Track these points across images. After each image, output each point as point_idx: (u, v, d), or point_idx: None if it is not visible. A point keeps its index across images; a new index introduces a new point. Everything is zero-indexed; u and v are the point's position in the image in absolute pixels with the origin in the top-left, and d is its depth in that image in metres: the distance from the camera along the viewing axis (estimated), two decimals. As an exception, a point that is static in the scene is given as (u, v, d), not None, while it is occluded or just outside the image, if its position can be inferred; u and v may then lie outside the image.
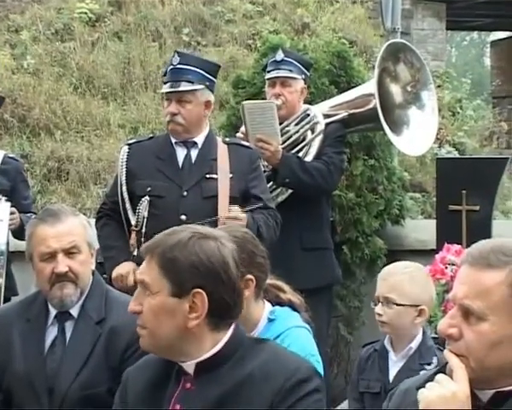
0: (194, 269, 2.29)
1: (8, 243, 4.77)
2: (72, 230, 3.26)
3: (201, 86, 4.40)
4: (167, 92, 4.43)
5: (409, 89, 5.71)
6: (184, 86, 4.37)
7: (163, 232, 2.40)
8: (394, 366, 3.82)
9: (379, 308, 3.76)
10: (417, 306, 3.75)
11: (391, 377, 3.79)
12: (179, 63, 4.41)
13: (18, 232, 4.92)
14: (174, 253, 2.30)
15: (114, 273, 4.26)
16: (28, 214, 4.99)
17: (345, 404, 5.22)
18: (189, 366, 2.35)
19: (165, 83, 4.48)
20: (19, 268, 5.10)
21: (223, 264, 2.32)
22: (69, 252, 3.23)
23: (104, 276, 4.06)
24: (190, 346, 2.33)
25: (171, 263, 2.29)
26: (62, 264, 3.21)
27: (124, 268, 4.29)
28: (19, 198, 5.05)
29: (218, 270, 2.31)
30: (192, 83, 4.38)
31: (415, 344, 3.79)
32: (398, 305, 3.72)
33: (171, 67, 4.45)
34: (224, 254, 2.33)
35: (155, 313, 2.31)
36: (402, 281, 3.77)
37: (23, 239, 4.75)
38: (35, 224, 3.30)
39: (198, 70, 4.41)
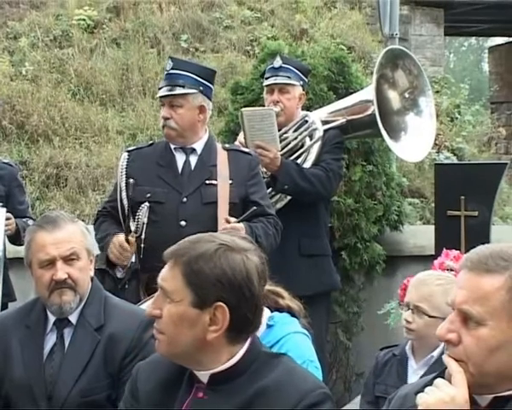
0: (218, 283, 2.26)
1: (4, 250, 4.76)
2: (71, 237, 3.26)
3: (194, 91, 4.41)
4: (161, 97, 4.46)
5: (406, 95, 5.71)
6: (175, 91, 4.39)
7: (188, 239, 2.37)
8: (414, 373, 3.76)
9: (408, 315, 3.73)
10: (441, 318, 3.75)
11: None
12: (172, 68, 4.44)
13: (14, 238, 4.91)
14: (200, 264, 2.27)
15: (109, 248, 4.26)
16: (25, 219, 4.98)
17: (353, 403, 5.18)
18: (203, 376, 2.35)
19: (159, 88, 4.51)
20: (18, 274, 5.10)
21: (247, 279, 2.30)
22: (68, 259, 3.23)
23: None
24: (206, 357, 2.32)
25: (196, 274, 2.27)
26: (61, 271, 3.20)
27: (115, 237, 4.28)
28: (14, 203, 5.04)
29: (242, 285, 2.29)
30: (183, 87, 4.40)
31: (436, 353, 3.75)
32: (429, 316, 3.69)
33: (165, 72, 4.49)
34: (249, 269, 2.31)
35: (175, 321, 2.29)
36: (435, 293, 3.73)
37: (20, 244, 4.76)
38: (33, 230, 3.29)
39: (190, 75, 4.42)
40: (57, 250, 3.21)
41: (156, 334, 2.35)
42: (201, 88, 4.43)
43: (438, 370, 3.64)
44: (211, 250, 2.29)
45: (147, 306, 3.84)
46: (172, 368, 2.40)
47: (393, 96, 5.69)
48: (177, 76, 4.41)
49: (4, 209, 4.76)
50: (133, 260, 4.40)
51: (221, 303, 2.27)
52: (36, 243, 3.24)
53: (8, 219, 4.80)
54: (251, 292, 2.31)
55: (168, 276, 2.32)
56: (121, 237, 4.26)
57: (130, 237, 4.32)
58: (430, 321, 3.69)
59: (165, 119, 4.40)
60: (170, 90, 4.39)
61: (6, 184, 5.06)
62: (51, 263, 3.21)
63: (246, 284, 2.29)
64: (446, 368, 2.02)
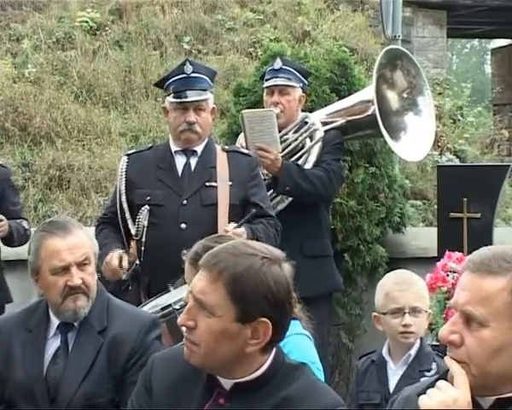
0: (263, 299, 2.23)
1: None
2: (83, 242, 3.24)
3: (211, 94, 4.45)
4: (184, 102, 4.37)
5: (405, 95, 5.72)
6: (201, 95, 4.37)
7: (226, 250, 2.30)
8: (394, 375, 3.81)
9: (409, 319, 3.74)
10: (427, 311, 3.84)
11: (391, 387, 3.78)
12: (192, 72, 4.40)
13: (7, 239, 4.90)
14: (246, 280, 2.22)
15: (103, 266, 4.24)
16: (18, 220, 4.98)
17: None
18: (227, 383, 2.32)
19: (176, 92, 4.41)
20: (20, 276, 5.10)
21: (288, 294, 2.29)
22: (81, 264, 3.21)
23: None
24: (239, 368, 2.29)
25: (242, 290, 2.22)
26: (76, 277, 3.19)
27: (108, 256, 4.25)
28: (8, 204, 5.03)
29: (285, 300, 2.27)
30: (205, 91, 4.40)
31: (413, 351, 3.79)
32: (424, 313, 3.78)
33: (184, 75, 4.41)
34: (289, 282, 2.29)
35: (215, 336, 2.24)
36: (422, 289, 3.84)
37: (13, 246, 4.75)
38: (43, 237, 3.24)
39: (206, 78, 4.44)
40: (72, 256, 3.19)
41: (189, 344, 2.29)
42: (212, 90, 4.46)
43: (416, 368, 3.72)
44: (256, 265, 2.24)
45: (148, 308, 3.86)
46: (189, 366, 2.36)
47: (392, 97, 5.69)
48: (199, 79, 4.40)
49: None
50: (137, 262, 4.40)
51: (265, 319, 2.24)
52: (47, 250, 3.20)
53: (0, 220, 4.79)
54: (290, 305, 2.31)
55: (209, 289, 2.24)
56: (115, 261, 4.21)
57: (130, 251, 4.34)
58: (424, 317, 3.78)
59: (191, 123, 4.37)
60: (195, 95, 4.36)
61: None
62: (65, 269, 3.19)
63: (287, 298, 2.28)
64: (448, 370, 2.02)
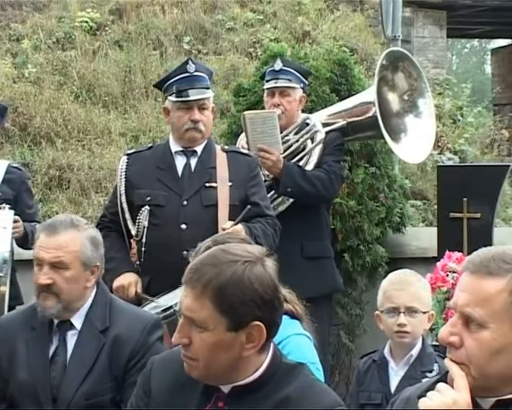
0: (251, 303, 2.23)
1: (12, 252, 4.76)
2: (64, 245, 3.24)
3: (212, 93, 4.45)
4: (189, 100, 4.36)
5: (406, 97, 5.72)
6: (204, 93, 4.38)
7: (205, 261, 2.29)
8: (396, 375, 3.81)
9: (403, 319, 3.74)
10: (428, 312, 3.82)
11: (392, 387, 3.78)
12: (195, 70, 4.40)
13: (22, 241, 4.91)
14: (230, 289, 2.21)
15: (116, 284, 4.24)
16: (33, 223, 4.98)
17: None
18: (226, 386, 2.33)
19: (179, 91, 4.39)
20: (22, 277, 5.09)
21: (275, 291, 2.28)
22: (55, 266, 3.23)
23: None
24: (238, 372, 2.30)
25: (229, 300, 2.22)
26: (45, 276, 3.22)
27: (125, 279, 4.27)
28: (23, 207, 5.03)
29: (273, 298, 2.27)
30: (208, 89, 4.41)
31: (415, 352, 3.79)
32: (422, 313, 3.76)
33: (188, 74, 4.40)
34: (273, 279, 2.29)
35: (211, 349, 2.25)
36: (421, 289, 3.82)
37: (27, 248, 4.76)
38: (39, 230, 3.35)
39: (207, 77, 4.44)
40: (47, 255, 3.23)
41: (188, 360, 2.30)
42: (212, 89, 4.47)
43: (418, 368, 3.71)
44: (239, 272, 2.23)
45: (149, 309, 3.87)
46: None
47: (393, 98, 5.69)
48: (202, 78, 4.40)
49: (12, 212, 4.76)
50: (138, 262, 4.40)
51: (257, 322, 2.24)
52: (36, 243, 3.29)
53: (15, 221, 4.80)
54: (279, 301, 2.31)
55: (195, 306, 2.24)
56: (132, 291, 4.25)
57: (132, 247, 4.34)
58: (422, 318, 3.77)
59: (196, 121, 4.36)
60: (199, 93, 4.36)
61: (15, 188, 5.06)
62: (39, 265, 3.24)
63: (275, 295, 2.28)
64: (448, 372, 2.02)
